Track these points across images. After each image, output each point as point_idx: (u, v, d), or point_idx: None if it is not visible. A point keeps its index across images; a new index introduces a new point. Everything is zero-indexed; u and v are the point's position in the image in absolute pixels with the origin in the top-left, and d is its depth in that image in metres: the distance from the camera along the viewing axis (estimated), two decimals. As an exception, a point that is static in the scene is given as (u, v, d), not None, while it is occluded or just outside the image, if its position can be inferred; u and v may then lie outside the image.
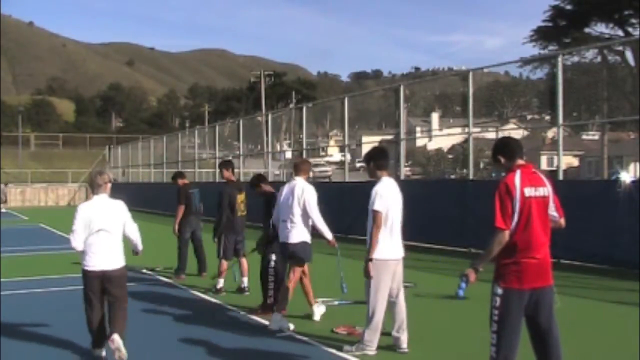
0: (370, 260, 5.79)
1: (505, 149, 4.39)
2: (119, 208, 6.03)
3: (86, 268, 5.89)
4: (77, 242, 5.85)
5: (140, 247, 6.32)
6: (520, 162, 4.28)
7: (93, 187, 6.09)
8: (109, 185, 6.04)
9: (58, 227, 22.81)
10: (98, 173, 6.14)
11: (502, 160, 4.36)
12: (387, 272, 5.91)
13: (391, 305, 6.05)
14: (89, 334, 6.02)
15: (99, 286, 5.88)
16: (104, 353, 5.93)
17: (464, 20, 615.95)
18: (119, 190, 44.04)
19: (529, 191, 4.15)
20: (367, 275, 5.79)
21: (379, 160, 6.11)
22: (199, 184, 20.77)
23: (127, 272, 6.12)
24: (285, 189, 7.32)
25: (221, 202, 9.37)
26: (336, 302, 8.37)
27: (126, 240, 6.13)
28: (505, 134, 48.93)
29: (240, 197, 9.55)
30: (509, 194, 4.12)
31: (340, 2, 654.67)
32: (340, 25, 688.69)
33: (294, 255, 7.17)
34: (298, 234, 7.12)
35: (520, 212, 4.11)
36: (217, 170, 10.13)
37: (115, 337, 5.67)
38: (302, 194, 7.08)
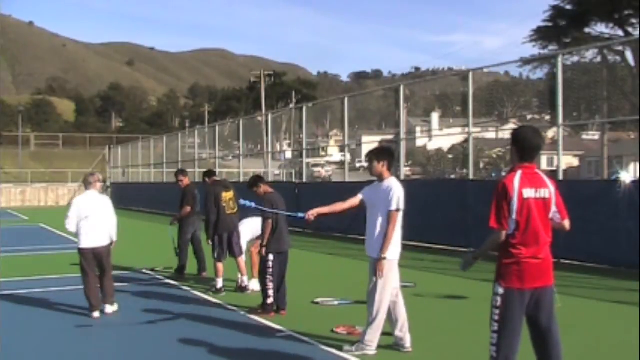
0: (384, 259, 5.79)
1: (527, 148, 4.20)
2: (104, 202, 7.90)
3: (80, 246, 7.71)
4: (69, 225, 7.71)
5: (114, 237, 7.89)
6: (525, 163, 4.23)
7: (86, 185, 7.97)
8: (99, 184, 7.96)
9: (58, 227, 22.80)
10: (90, 174, 8.13)
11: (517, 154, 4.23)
12: (394, 272, 5.94)
13: (392, 306, 6.02)
14: (86, 301, 7.64)
15: (92, 259, 7.68)
16: (97, 314, 7.60)
17: (464, 20, 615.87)
18: (119, 190, 43.90)
19: (528, 192, 4.12)
20: (381, 274, 5.76)
21: (391, 160, 6.12)
22: (199, 184, 20.73)
23: (111, 248, 7.89)
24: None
25: (207, 202, 9.37)
26: (336, 302, 8.37)
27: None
28: (506, 134, 48.83)
29: (228, 195, 9.48)
30: (506, 195, 4.10)
31: (340, 2, 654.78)
32: (340, 25, 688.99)
33: None
34: None
35: (519, 213, 4.09)
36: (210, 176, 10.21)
37: (107, 308, 7.74)
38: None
